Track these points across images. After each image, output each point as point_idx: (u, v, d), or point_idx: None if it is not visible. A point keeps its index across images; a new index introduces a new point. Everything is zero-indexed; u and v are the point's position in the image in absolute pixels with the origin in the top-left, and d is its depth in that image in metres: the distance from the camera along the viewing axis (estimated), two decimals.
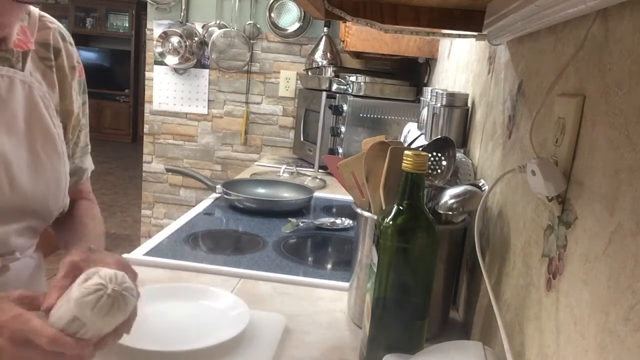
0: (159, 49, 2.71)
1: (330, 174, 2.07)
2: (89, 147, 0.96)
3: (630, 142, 0.44)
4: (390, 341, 0.74)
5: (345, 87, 2.14)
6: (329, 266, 1.22)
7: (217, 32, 2.66)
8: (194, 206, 1.59)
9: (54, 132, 0.81)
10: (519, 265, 0.70)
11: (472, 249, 0.94)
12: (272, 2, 2.66)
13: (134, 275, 0.65)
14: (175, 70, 2.76)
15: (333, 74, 2.24)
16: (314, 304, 0.99)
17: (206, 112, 2.80)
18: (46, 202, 0.80)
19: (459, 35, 1.02)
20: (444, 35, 1.05)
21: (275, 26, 2.68)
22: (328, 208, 1.68)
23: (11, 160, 0.75)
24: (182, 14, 2.70)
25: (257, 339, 0.80)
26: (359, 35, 2.05)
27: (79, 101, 0.90)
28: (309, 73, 2.55)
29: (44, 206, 0.80)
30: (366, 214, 0.88)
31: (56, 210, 0.83)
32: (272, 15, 2.68)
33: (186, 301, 0.89)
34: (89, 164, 0.96)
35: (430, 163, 0.89)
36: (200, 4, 2.71)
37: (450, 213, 0.85)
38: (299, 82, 2.67)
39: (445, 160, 0.90)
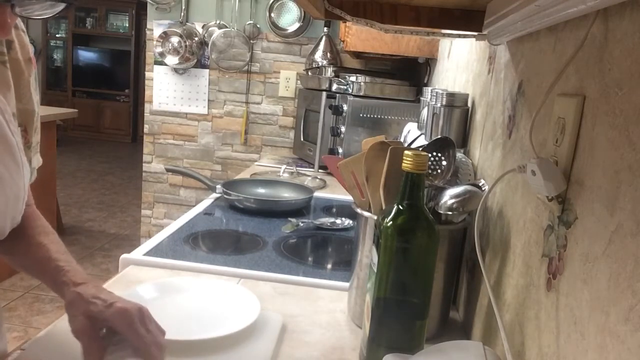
0: (159, 49, 2.71)
1: (330, 174, 2.07)
2: (39, 144, 0.83)
3: (630, 142, 0.44)
4: (390, 341, 0.74)
5: (345, 87, 2.14)
6: (329, 266, 1.22)
7: (217, 32, 2.66)
8: (194, 206, 1.59)
9: (12, 141, 0.69)
10: (519, 265, 0.70)
11: (472, 249, 0.94)
12: (272, 2, 2.66)
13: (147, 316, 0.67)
14: (175, 70, 2.76)
15: (333, 74, 2.24)
16: (314, 304, 0.99)
17: (206, 112, 2.80)
18: (4, 222, 0.70)
19: (459, 35, 1.02)
20: (444, 35, 1.05)
21: (275, 26, 2.68)
22: (328, 208, 1.68)
23: None
24: (182, 14, 2.70)
25: (254, 338, 0.80)
26: (359, 35, 2.05)
27: (37, 97, 0.78)
28: (309, 73, 2.55)
29: (1, 226, 0.70)
30: (366, 214, 0.88)
31: (12, 227, 0.73)
32: (272, 15, 2.68)
33: (197, 293, 0.91)
34: (36, 162, 0.83)
35: (430, 163, 0.89)
36: (200, 4, 2.71)
37: (450, 213, 0.85)
38: (299, 82, 2.67)
39: (445, 160, 0.90)
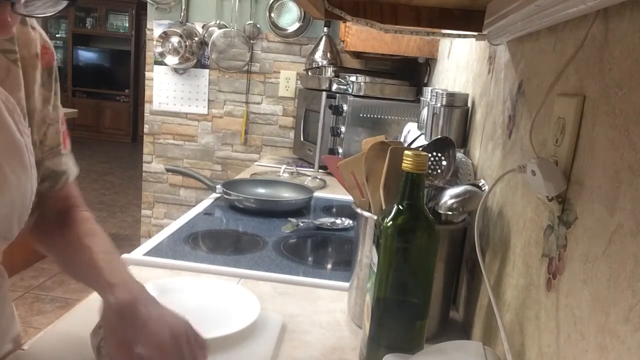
0: (159, 49, 2.71)
1: (330, 174, 2.07)
2: (61, 147, 0.80)
3: (630, 142, 0.44)
4: (390, 341, 0.74)
5: (345, 87, 2.14)
6: (329, 266, 1.22)
7: (217, 32, 2.66)
8: (194, 206, 1.59)
9: (20, 142, 0.67)
10: (519, 265, 0.70)
11: (472, 249, 0.94)
12: (272, 2, 2.66)
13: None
14: (175, 70, 2.76)
15: (333, 74, 2.24)
16: (314, 304, 0.99)
17: (206, 112, 2.80)
18: (10, 224, 0.69)
19: (459, 35, 1.02)
20: (444, 35, 1.05)
21: (275, 26, 2.68)
22: (328, 208, 1.68)
23: None
24: (182, 14, 2.70)
25: (254, 338, 0.80)
26: (359, 35, 2.05)
27: (44, 94, 0.75)
28: (309, 73, 2.55)
29: (8, 228, 0.68)
30: (366, 214, 0.88)
31: (19, 229, 0.71)
32: (272, 15, 2.68)
33: (197, 293, 0.92)
34: (68, 168, 0.82)
35: (430, 163, 0.89)
36: (200, 4, 2.71)
37: (450, 213, 0.85)
38: (299, 82, 2.67)
39: (445, 160, 0.90)
